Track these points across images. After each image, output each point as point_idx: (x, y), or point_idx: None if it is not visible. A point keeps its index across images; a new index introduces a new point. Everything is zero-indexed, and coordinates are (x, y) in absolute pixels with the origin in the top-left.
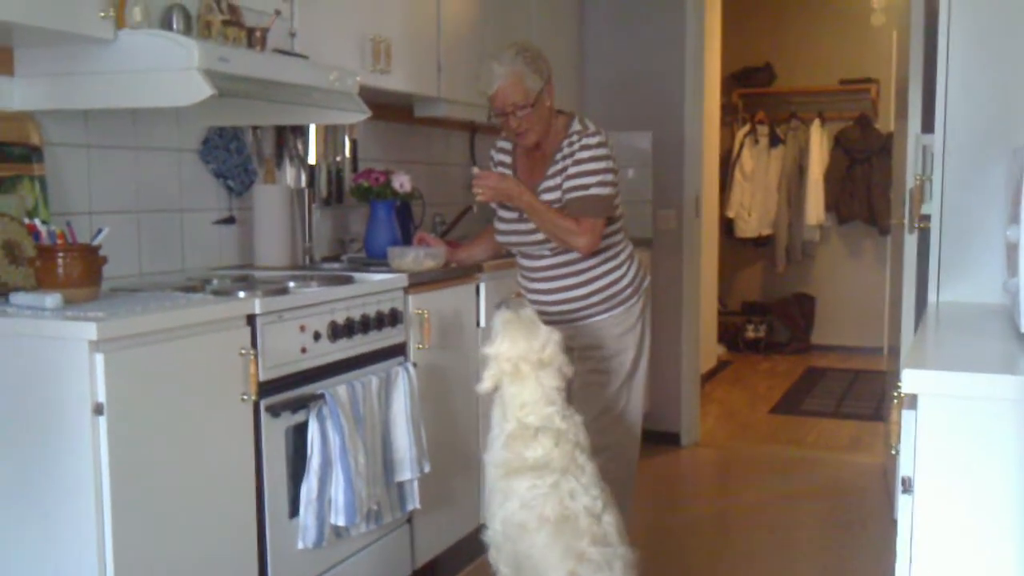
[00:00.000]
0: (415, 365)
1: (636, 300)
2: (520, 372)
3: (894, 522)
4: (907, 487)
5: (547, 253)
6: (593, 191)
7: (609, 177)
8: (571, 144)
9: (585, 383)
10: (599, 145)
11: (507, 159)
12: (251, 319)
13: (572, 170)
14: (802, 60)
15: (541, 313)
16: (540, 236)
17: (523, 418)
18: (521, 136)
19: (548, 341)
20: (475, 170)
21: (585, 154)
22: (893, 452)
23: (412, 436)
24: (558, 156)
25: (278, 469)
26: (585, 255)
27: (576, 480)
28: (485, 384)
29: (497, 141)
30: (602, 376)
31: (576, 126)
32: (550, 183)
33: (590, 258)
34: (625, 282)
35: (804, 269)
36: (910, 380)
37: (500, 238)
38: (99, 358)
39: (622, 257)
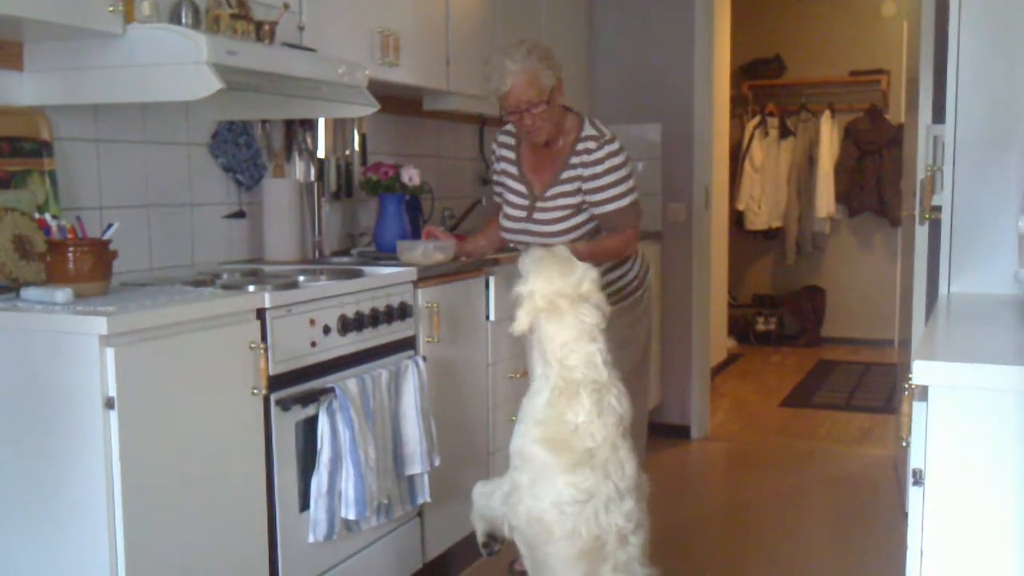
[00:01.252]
0: (425, 359)
1: (641, 293)
2: (558, 308)
3: (905, 514)
4: (918, 479)
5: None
6: (629, 199)
7: (633, 180)
8: (589, 151)
9: None
10: (620, 151)
11: (510, 154)
12: (261, 313)
13: (605, 179)
14: (812, 51)
15: None
16: (552, 238)
17: (564, 359)
18: (533, 133)
19: (584, 277)
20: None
21: (613, 161)
22: (904, 444)
23: (422, 430)
24: (573, 160)
25: (288, 463)
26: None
27: (615, 486)
28: (520, 324)
29: (498, 134)
30: None
31: (589, 130)
32: (565, 187)
33: None
34: (631, 276)
35: (814, 261)
36: (921, 371)
37: (507, 235)
38: (110, 352)
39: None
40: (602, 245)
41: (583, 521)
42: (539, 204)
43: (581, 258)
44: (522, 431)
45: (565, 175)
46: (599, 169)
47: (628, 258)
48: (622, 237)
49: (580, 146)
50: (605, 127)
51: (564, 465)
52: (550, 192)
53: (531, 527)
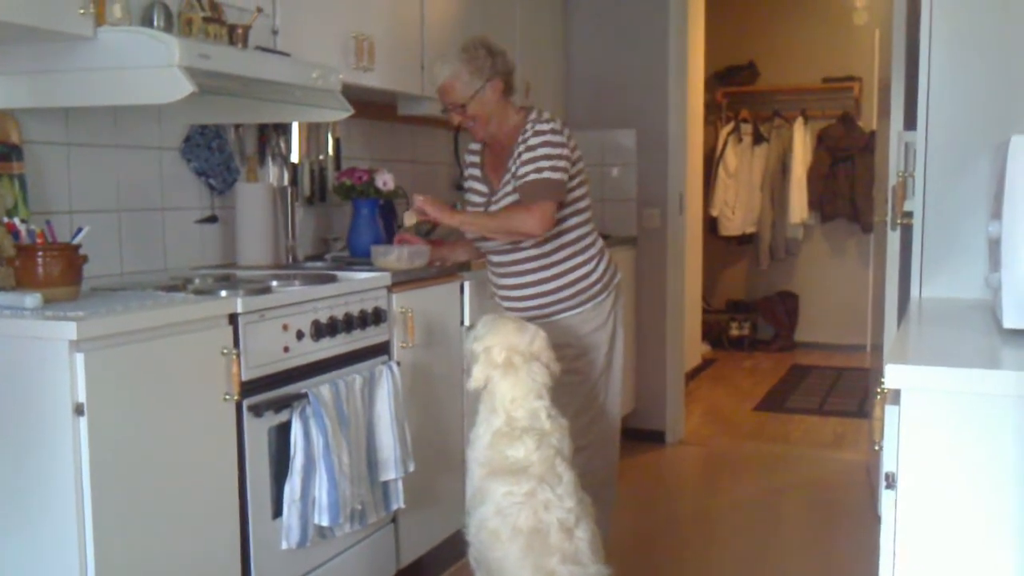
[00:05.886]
0: (399, 364)
1: (606, 296)
2: (512, 364)
3: (878, 518)
4: (890, 482)
5: (514, 248)
6: (546, 175)
7: (560, 163)
8: (524, 133)
9: (558, 383)
10: (552, 131)
11: (476, 159)
12: (233, 318)
13: (525, 156)
14: (785, 58)
15: (511, 310)
16: None
17: (512, 412)
18: (470, 130)
19: (536, 336)
20: (417, 196)
21: (536, 139)
22: (876, 448)
23: (396, 435)
24: (516, 147)
25: (261, 469)
26: (538, 236)
27: (552, 490)
28: (477, 380)
29: (470, 144)
30: (575, 376)
31: (532, 116)
32: (507, 176)
33: (558, 252)
34: (594, 277)
35: (788, 267)
36: (893, 375)
37: (469, 234)
38: (79, 358)
39: (592, 252)
40: (492, 217)
41: (523, 517)
42: (494, 199)
43: (459, 222)
44: (471, 476)
45: (509, 164)
46: (522, 148)
47: (592, 258)
48: (513, 210)
49: (521, 136)
50: (549, 113)
51: (503, 479)
52: (501, 183)
53: (478, 537)
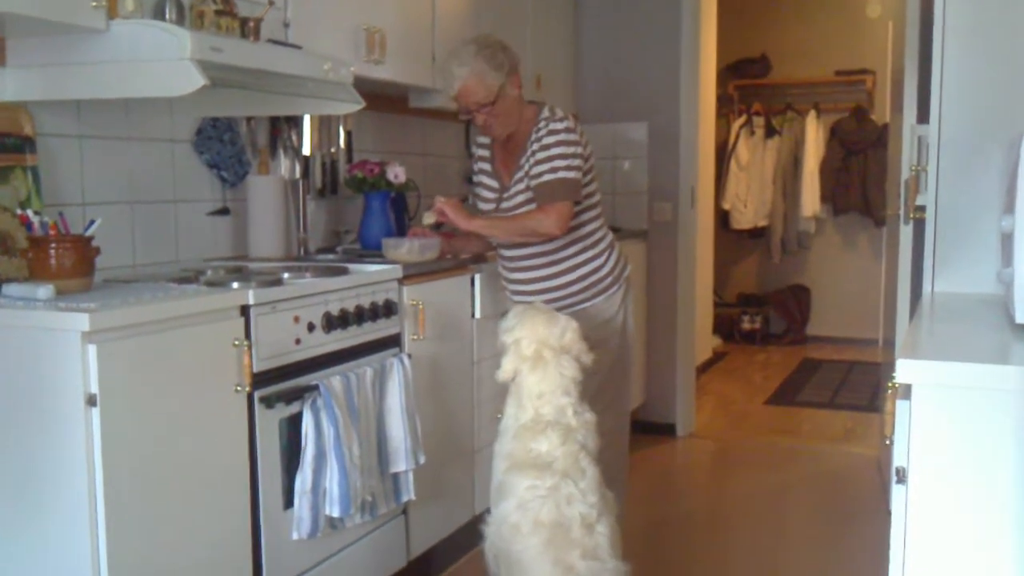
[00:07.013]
0: (410, 356)
1: (617, 289)
2: (542, 358)
3: (888, 512)
4: (901, 477)
5: (525, 242)
6: (561, 175)
7: (576, 162)
8: (538, 131)
9: None
10: (566, 130)
11: (486, 153)
12: (245, 310)
13: (540, 155)
14: (798, 51)
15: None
16: None
17: (539, 408)
18: (489, 130)
19: (567, 328)
20: (439, 198)
21: (551, 139)
22: (887, 442)
23: (407, 427)
24: (530, 147)
25: (272, 460)
26: (558, 237)
27: (575, 485)
28: (505, 372)
29: (478, 137)
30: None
31: (545, 113)
32: (520, 174)
33: (570, 247)
34: (605, 270)
35: (800, 260)
36: (904, 370)
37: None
38: (92, 349)
39: (602, 246)
40: (511, 221)
41: (545, 511)
42: (505, 195)
43: (477, 227)
44: (495, 469)
45: (521, 160)
46: (536, 147)
47: (603, 252)
48: (533, 212)
49: (534, 134)
50: (561, 111)
51: (526, 473)
52: (513, 180)
53: (500, 531)
